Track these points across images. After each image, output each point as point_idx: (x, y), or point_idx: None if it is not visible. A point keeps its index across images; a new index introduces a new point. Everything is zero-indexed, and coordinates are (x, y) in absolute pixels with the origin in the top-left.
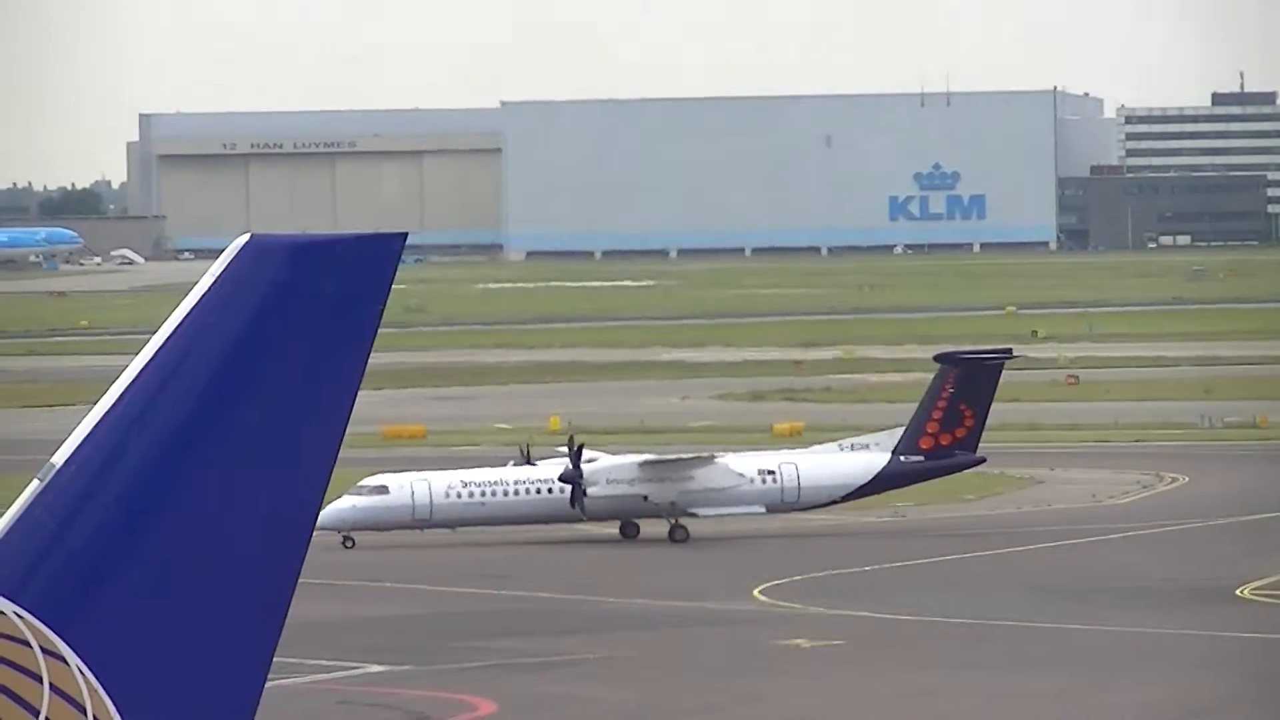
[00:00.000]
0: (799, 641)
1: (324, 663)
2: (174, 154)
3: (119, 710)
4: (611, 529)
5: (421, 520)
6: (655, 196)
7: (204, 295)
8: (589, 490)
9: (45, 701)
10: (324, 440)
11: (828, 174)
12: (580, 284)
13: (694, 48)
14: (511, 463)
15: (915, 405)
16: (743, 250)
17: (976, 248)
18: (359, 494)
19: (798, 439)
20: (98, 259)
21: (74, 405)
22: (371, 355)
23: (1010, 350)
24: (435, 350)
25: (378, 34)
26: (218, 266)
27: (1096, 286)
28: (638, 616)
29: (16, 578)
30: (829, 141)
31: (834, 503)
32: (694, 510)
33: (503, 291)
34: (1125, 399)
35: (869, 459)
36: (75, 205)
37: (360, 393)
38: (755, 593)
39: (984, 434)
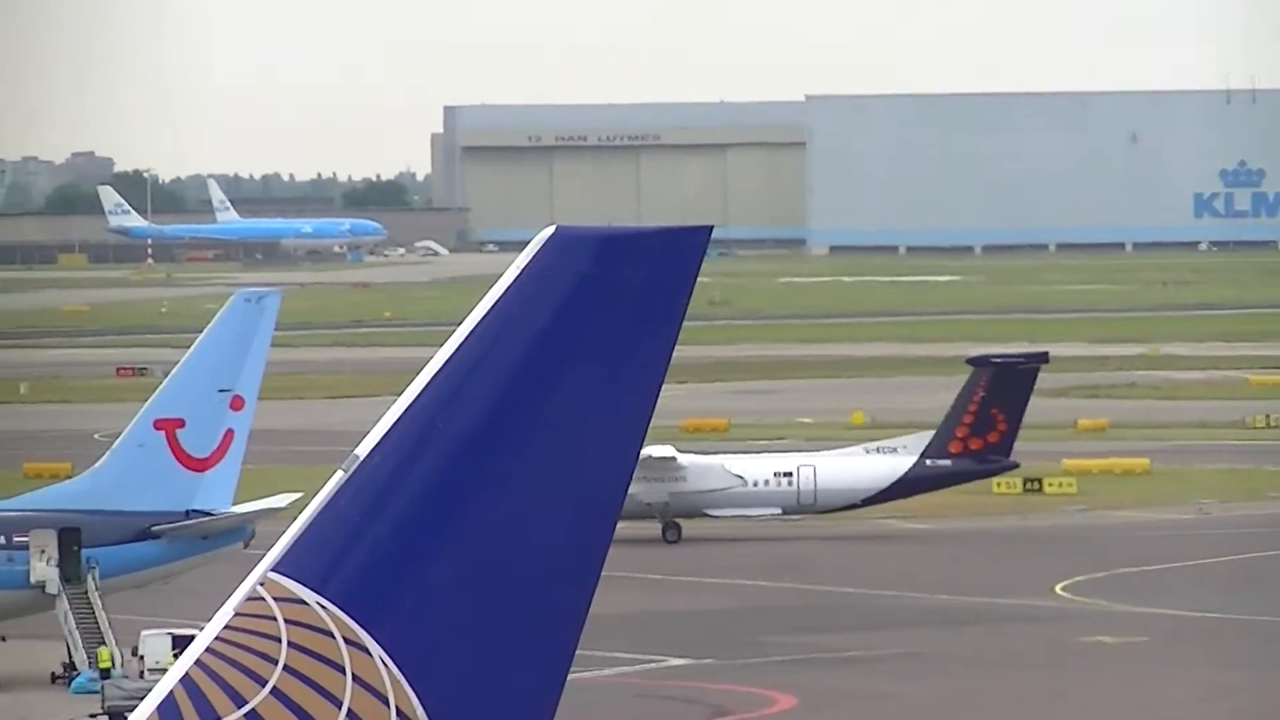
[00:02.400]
0: (1102, 638)
1: (623, 655)
2: (478, 146)
3: (421, 702)
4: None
5: None
6: (960, 192)
7: (509, 287)
8: None
9: (348, 693)
10: (628, 433)
11: (1133, 170)
12: (884, 279)
13: (999, 42)
14: None
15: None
16: (1047, 246)
17: None
18: None
19: (1102, 436)
20: (402, 250)
21: (378, 396)
22: (675, 348)
23: (1046, 355)
24: (738, 344)
25: (682, 26)
26: (523, 258)
27: None
28: (939, 611)
29: (320, 569)
30: (1134, 138)
31: (854, 506)
32: (707, 511)
33: (806, 286)
34: None
35: (893, 463)
36: (380, 197)
37: (663, 386)
38: (1057, 589)
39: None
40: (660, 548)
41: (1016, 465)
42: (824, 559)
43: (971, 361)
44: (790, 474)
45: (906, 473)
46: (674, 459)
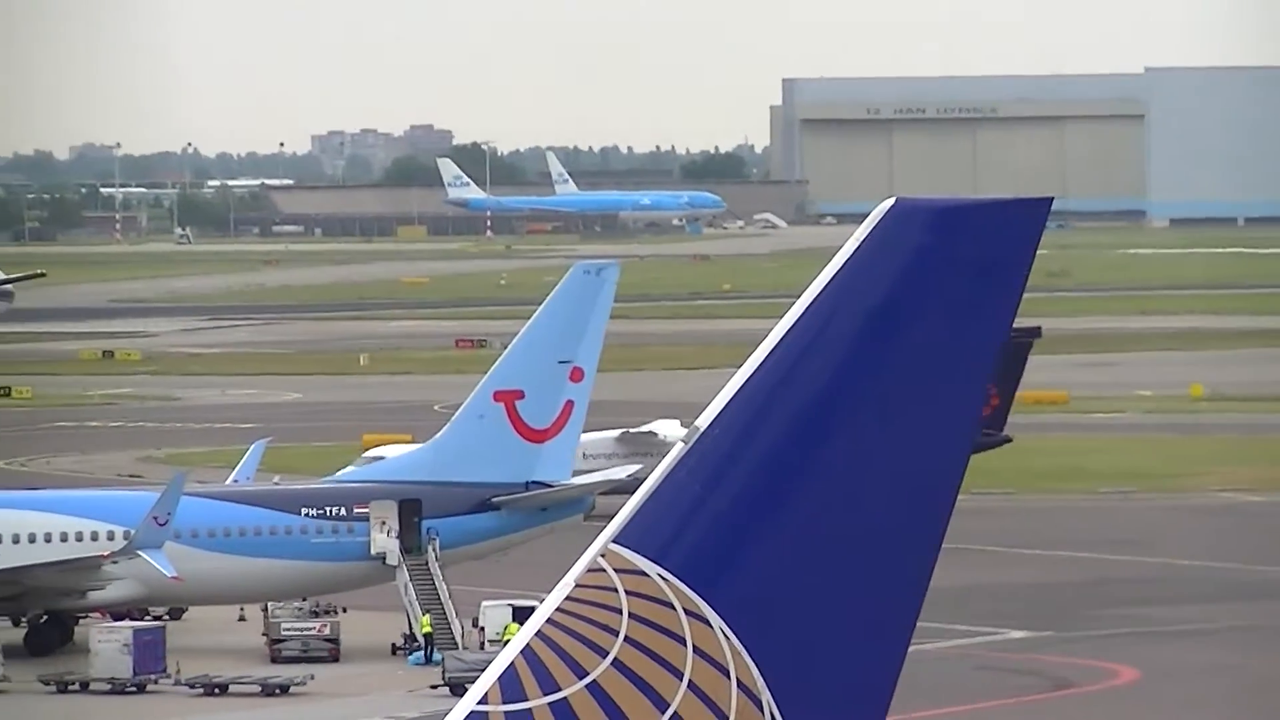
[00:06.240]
0: None
1: (963, 628)
2: (817, 118)
3: (762, 673)
4: None
5: None
6: None
7: (849, 259)
8: None
9: (689, 664)
10: (966, 405)
11: None
12: (1225, 250)
13: None
14: None
15: None
16: None
17: None
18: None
19: None
20: (740, 222)
21: (717, 368)
22: (1014, 320)
23: (1039, 330)
24: (1079, 316)
25: None
26: (863, 230)
27: None
28: None
29: (660, 540)
30: None
31: None
32: None
33: (1147, 257)
34: None
35: None
36: (718, 169)
37: None
38: None
39: None
40: (988, 517)
41: (1009, 439)
42: (1161, 531)
43: None
44: None
45: None
46: (655, 434)
